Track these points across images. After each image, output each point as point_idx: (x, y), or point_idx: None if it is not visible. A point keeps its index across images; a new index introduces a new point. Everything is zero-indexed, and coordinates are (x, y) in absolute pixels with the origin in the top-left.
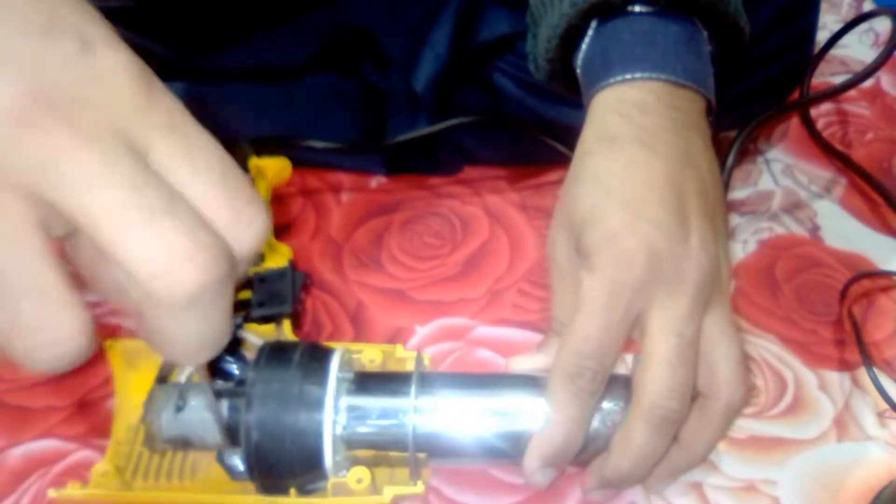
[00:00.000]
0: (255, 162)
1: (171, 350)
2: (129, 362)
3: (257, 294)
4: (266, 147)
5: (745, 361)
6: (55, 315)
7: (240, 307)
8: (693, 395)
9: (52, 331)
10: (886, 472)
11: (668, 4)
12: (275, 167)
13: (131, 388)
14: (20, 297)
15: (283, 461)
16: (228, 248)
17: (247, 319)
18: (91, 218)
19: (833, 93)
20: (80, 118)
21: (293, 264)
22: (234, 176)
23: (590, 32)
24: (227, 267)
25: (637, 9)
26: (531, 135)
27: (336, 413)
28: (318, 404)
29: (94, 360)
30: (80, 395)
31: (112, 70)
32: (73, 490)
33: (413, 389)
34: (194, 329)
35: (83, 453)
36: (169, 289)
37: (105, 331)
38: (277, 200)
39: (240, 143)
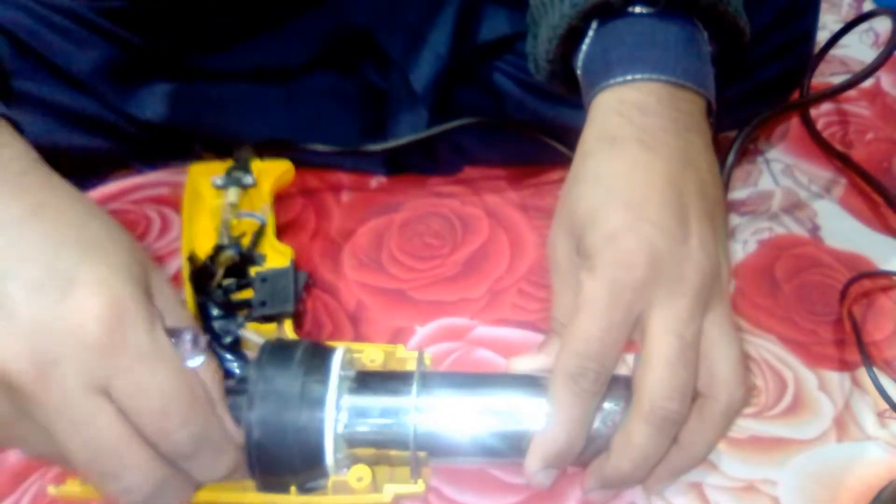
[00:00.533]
0: (258, 164)
1: None
2: None
3: (259, 293)
4: (269, 149)
5: (745, 362)
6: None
7: (242, 306)
8: (693, 396)
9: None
10: (886, 472)
11: (669, 5)
12: (278, 170)
13: None
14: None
15: (284, 459)
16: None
17: (248, 319)
18: (73, 463)
19: (833, 92)
20: (58, 376)
21: (295, 264)
22: (174, 411)
23: (590, 33)
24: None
25: (637, 10)
26: (532, 136)
27: (337, 411)
28: (319, 402)
29: None
30: None
31: (88, 319)
32: (72, 486)
33: (414, 388)
34: None
35: None
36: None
37: None
38: (278, 200)
39: (243, 145)
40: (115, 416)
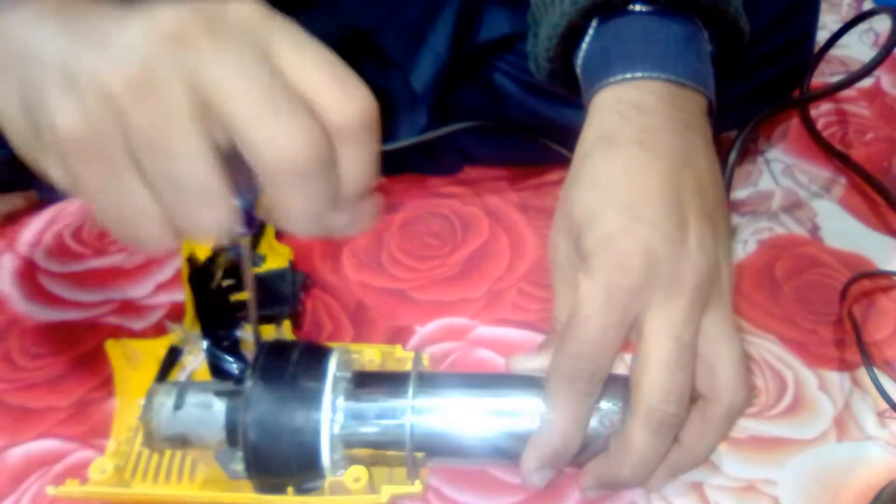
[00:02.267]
0: None
1: (287, 217)
2: (130, 363)
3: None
4: None
5: (747, 363)
6: (213, 202)
7: (240, 307)
8: (693, 397)
9: (218, 223)
10: (886, 472)
11: (669, 4)
12: None
13: (132, 388)
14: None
15: (280, 460)
16: (333, 129)
17: (246, 320)
18: (231, 115)
19: (832, 90)
20: (221, 33)
21: (293, 265)
22: (335, 64)
23: (590, 31)
24: (329, 151)
25: (638, 8)
26: (532, 138)
27: (334, 412)
28: (315, 403)
29: (95, 360)
30: (80, 395)
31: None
32: (71, 487)
33: (411, 389)
34: (304, 200)
35: (83, 453)
36: (286, 164)
37: (106, 331)
38: None
39: None
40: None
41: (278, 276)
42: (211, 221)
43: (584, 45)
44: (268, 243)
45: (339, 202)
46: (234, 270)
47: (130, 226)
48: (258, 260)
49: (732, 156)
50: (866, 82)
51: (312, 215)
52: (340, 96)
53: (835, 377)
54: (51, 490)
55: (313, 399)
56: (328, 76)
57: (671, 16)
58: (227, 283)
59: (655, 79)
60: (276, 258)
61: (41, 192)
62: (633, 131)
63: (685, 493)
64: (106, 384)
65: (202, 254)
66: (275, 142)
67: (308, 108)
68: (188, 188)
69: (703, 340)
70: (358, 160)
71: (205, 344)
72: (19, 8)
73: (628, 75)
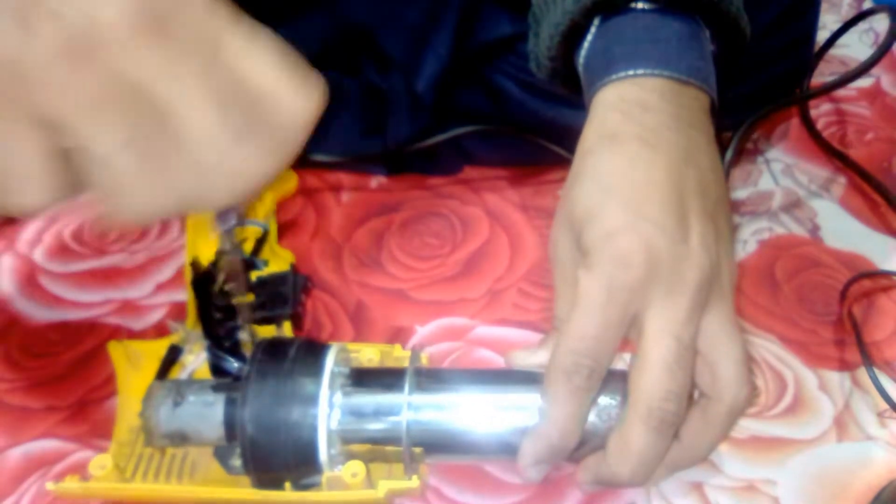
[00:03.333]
0: None
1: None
2: (131, 363)
3: (258, 296)
4: None
5: (748, 361)
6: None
7: (241, 310)
8: (694, 395)
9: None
10: (886, 472)
11: (671, 2)
12: (281, 180)
13: (134, 389)
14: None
15: (277, 455)
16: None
17: (248, 321)
18: (178, 108)
19: (831, 87)
20: (171, 26)
21: (294, 268)
22: (286, 59)
23: (592, 30)
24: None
25: (640, 6)
26: (532, 140)
27: (331, 407)
28: (312, 399)
29: (95, 360)
30: (80, 395)
31: None
32: (70, 483)
33: (407, 384)
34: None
35: (83, 453)
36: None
37: (107, 331)
38: (278, 200)
39: None
40: None
41: (280, 278)
42: (140, 205)
43: (585, 44)
44: (270, 248)
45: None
46: (241, 271)
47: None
48: (261, 264)
49: (729, 154)
50: (866, 82)
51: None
52: (293, 90)
53: (835, 377)
54: (50, 486)
55: (310, 394)
56: (279, 70)
57: (673, 14)
58: (229, 286)
59: (658, 76)
60: (277, 262)
61: None
62: (635, 128)
63: (685, 493)
64: (106, 384)
65: (205, 258)
66: (218, 153)
67: (258, 111)
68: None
69: (705, 339)
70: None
71: (206, 344)
72: None
73: (630, 72)
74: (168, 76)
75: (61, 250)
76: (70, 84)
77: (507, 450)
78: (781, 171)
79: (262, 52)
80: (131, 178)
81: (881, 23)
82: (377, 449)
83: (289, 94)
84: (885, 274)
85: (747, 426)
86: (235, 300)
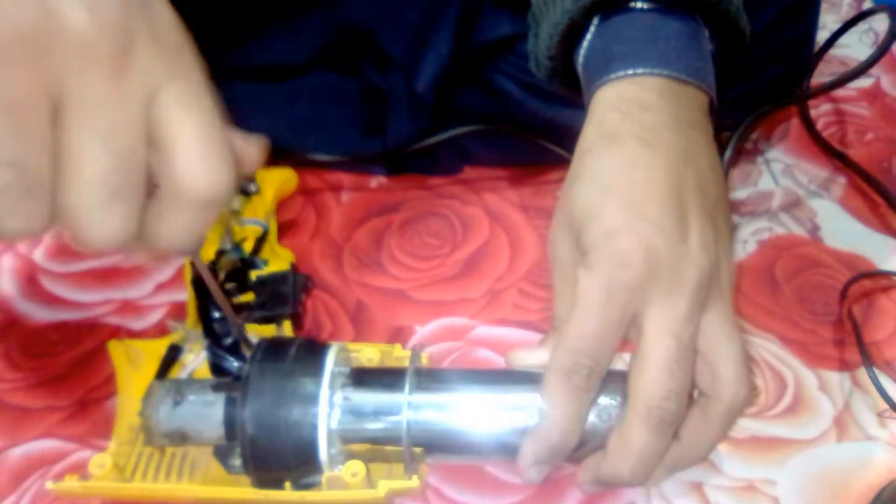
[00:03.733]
0: (261, 172)
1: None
2: (132, 363)
3: (259, 296)
4: (271, 156)
5: (747, 361)
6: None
7: (242, 309)
8: (693, 395)
9: (26, 223)
10: (886, 472)
11: (670, 2)
12: (280, 178)
13: (134, 388)
14: (26, 189)
15: (277, 455)
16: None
17: (248, 320)
18: (73, 146)
19: (830, 87)
20: (124, 54)
21: (295, 267)
22: (215, 131)
23: (591, 29)
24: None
25: (639, 5)
26: (533, 140)
27: (331, 407)
28: (312, 398)
29: (95, 360)
30: (80, 395)
31: (161, 27)
32: (70, 483)
33: (408, 384)
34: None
35: (83, 453)
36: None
37: (107, 331)
38: (277, 200)
39: None
40: None
41: (280, 278)
42: (19, 227)
43: (585, 43)
44: (270, 247)
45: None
46: (236, 273)
47: None
48: (261, 263)
49: (727, 154)
50: (866, 82)
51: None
52: (202, 167)
53: (835, 377)
54: (50, 485)
55: (311, 394)
56: (201, 140)
57: (672, 13)
58: (229, 285)
59: (657, 75)
60: (277, 261)
61: None
62: (634, 128)
63: (685, 493)
64: (106, 384)
65: (205, 257)
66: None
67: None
68: (21, 181)
69: (704, 338)
70: (187, 226)
71: (206, 343)
72: None
73: (630, 72)
74: (92, 103)
75: (61, 250)
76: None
77: (507, 450)
78: (781, 171)
79: (194, 114)
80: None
81: (881, 23)
82: (377, 449)
83: (199, 169)
84: (885, 274)
85: (747, 426)
86: (239, 300)
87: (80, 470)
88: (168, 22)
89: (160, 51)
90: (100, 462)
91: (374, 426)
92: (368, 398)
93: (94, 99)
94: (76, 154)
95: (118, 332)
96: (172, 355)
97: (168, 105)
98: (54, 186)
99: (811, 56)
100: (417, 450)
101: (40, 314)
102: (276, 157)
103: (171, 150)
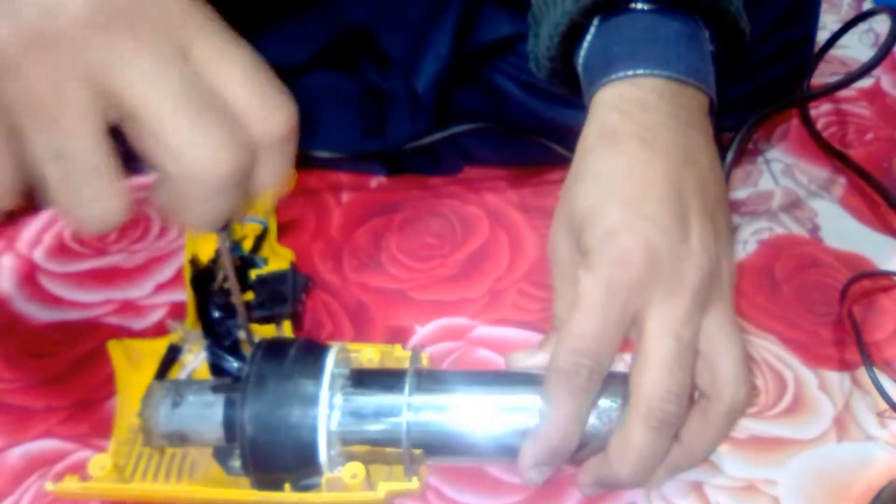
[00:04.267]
0: None
1: (192, 220)
2: (131, 363)
3: (258, 295)
4: None
5: (748, 361)
6: (107, 192)
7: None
8: (694, 396)
9: (103, 204)
10: (886, 472)
11: (670, 2)
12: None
13: (133, 388)
14: (84, 174)
15: (277, 456)
16: (253, 143)
17: (248, 320)
18: (148, 110)
19: (830, 89)
20: (138, 23)
21: (294, 266)
22: (260, 74)
23: (591, 30)
24: (250, 159)
25: (639, 6)
26: (533, 140)
27: (331, 408)
28: (312, 399)
29: (95, 360)
30: (80, 395)
31: None
32: (70, 483)
33: (407, 385)
34: (214, 206)
35: (83, 453)
36: (206, 173)
37: (107, 331)
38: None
39: None
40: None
41: (280, 277)
42: (97, 209)
43: (585, 44)
44: (269, 246)
45: (247, 206)
46: (236, 271)
47: None
48: (260, 262)
49: (730, 155)
50: (866, 83)
51: (214, 222)
52: (264, 107)
53: (835, 377)
54: (50, 486)
55: (311, 395)
56: (251, 85)
57: (672, 14)
58: (228, 284)
59: (657, 76)
60: (277, 260)
61: None
62: (634, 128)
63: (686, 493)
64: (106, 384)
65: (205, 255)
66: (191, 154)
67: (230, 118)
68: (75, 169)
69: (704, 338)
70: (274, 170)
71: (206, 343)
72: None
73: (629, 72)
74: (131, 77)
75: (61, 250)
76: (20, 83)
77: (508, 452)
78: (781, 171)
79: (235, 62)
80: (58, 188)
81: (881, 23)
82: (377, 450)
83: (260, 110)
84: (885, 274)
85: (747, 426)
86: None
87: (80, 470)
88: None
89: (168, 15)
90: (99, 463)
91: (373, 428)
92: (368, 400)
93: (127, 62)
94: (143, 96)
95: (118, 332)
96: (172, 355)
97: (205, 56)
98: (144, 138)
99: (811, 57)
100: (417, 451)
101: (40, 314)
102: None
103: (230, 95)
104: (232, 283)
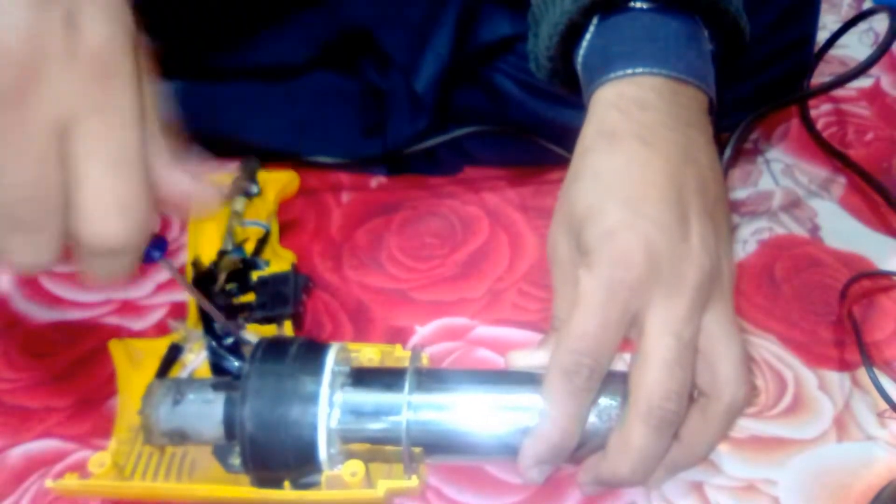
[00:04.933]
0: (263, 175)
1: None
2: (132, 362)
3: (259, 296)
4: (273, 159)
5: (747, 360)
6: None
7: (243, 309)
8: (693, 395)
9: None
10: (886, 472)
11: (670, 1)
12: (282, 180)
13: (134, 388)
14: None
15: (277, 454)
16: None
17: (249, 320)
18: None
19: (830, 87)
20: (34, 97)
21: (296, 268)
22: (128, 178)
23: (591, 29)
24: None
25: (639, 5)
26: (533, 140)
27: (331, 407)
28: (312, 397)
29: (95, 360)
30: (80, 395)
31: (86, 50)
32: (70, 481)
33: (407, 384)
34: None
35: (83, 453)
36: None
37: (107, 331)
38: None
39: (249, 156)
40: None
41: (281, 278)
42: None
43: (584, 43)
44: (272, 248)
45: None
46: (237, 273)
47: None
48: (262, 264)
49: (727, 154)
50: (866, 82)
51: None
52: (105, 213)
53: (835, 377)
54: (50, 483)
55: (311, 393)
56: (111, 184)
57: (672, 13)
58: (230, 286)
59: (656, 75)
60: (279, 262)
61: None
62: (633, 127)
63: (686, 493)
64: (106, 384)
65: (206, 257)
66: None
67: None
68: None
69: (704, 338)
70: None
71: (207, 342)
72: None
73: (629, 71)
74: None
75: (61, 250)
76: None
77: (508, 450)
78: (781, 171)
79: (108, 157)
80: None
81: (881, 23)
82: (377, 448)
83: (102, 224)
84: (885, 274)
85: (747, 426)
86: (240, 300)
87: (80, 470)
88: (98, 44)
89: (80, 77)
90: (99, 461)
91: (373, 426)
92: (368, 398)
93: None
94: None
95: (118, 332)
96: (173, 355)
97: (81, 141)
98: None
99: (811, 56)
100: (417, 450)
101: (40, 314)
102: (277, 159)
103: (76, 196)
104: (196, 295)
